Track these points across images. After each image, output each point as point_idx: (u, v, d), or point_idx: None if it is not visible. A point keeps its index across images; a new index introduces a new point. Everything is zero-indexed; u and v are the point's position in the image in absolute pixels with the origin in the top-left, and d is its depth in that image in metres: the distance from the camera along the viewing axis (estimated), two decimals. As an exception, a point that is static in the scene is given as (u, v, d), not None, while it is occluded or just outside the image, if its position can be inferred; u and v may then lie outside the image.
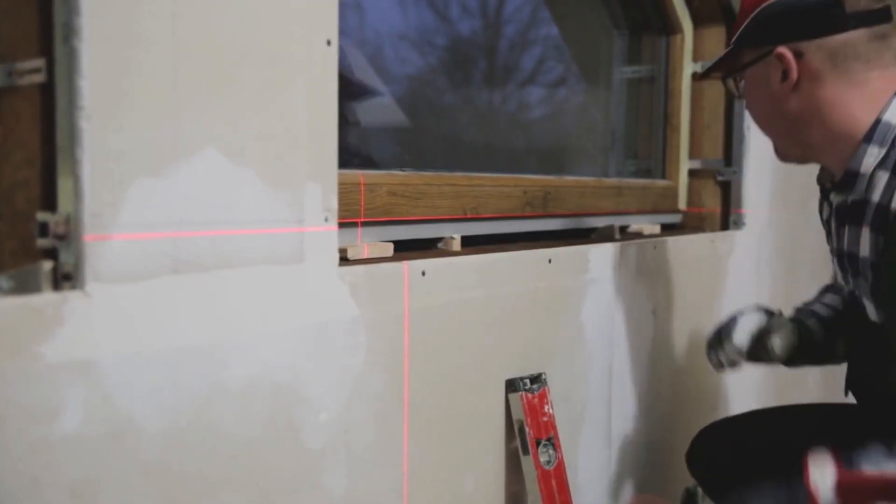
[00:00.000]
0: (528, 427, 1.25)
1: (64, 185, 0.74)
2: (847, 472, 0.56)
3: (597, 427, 1.52)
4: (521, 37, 2.25)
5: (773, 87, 1.23)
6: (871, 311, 1.20)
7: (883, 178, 1.14)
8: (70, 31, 0.72)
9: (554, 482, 1.28)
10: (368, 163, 1.69)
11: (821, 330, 1.44)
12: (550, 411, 1.30)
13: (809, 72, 1.19)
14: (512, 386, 1.27)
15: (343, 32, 0.98)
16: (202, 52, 0.83)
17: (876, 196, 1.14)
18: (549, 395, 1.31)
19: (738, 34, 1.27)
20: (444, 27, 2.06)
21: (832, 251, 1.36)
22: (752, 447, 1.47)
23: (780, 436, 1.47)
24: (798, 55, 1.19)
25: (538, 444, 1.26)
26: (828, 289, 1.54)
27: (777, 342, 1.38)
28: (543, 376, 1.31)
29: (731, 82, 1.34)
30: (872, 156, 1.16)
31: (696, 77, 1.45)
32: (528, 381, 1.28)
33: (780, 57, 1.20)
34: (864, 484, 0.54)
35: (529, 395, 1.27)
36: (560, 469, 1.29)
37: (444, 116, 2.06)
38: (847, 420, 1.48)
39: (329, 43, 0.96)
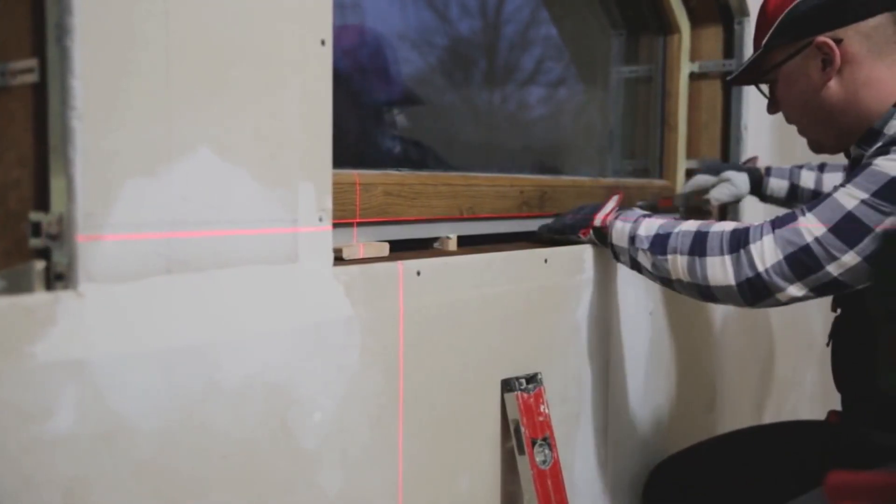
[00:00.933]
0: (523, 427, 1.25)
1: (56, 185, 0.74)
2: (842, 473, 0.56)
3: (593, 427, 1.52)
4: (519, 37, 2.25)
5: (814, 77, 1.33)
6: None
7: None
8: (62, 31, 0.73)
9: (549, 482, 1.28)
10: (365, 163, 1.69)
11: (784, 187, 1.76)
12: (546, 411, 1.30)
13: (849, 56, 1.30)
14: (507, 386, 1.27)
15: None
16: (195, 52, 0.83)
17: None
18: (545, 394, 1.31)
19: (769, 35, 1.36)
20: (441, 27, 2.06)
21: None
22: (711, 480, 1.52)
23: (739, 465, 1.52)
24: (838, 42, 1.29)
25: (534, 443, 1.26)
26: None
27: (711, 198, 1.76)
28: (539, 376, 1.31)
29: (762, 87, 1.45)
30: None
31: (730, 82, 1.53)
32: (523, 380, 1.28)
33: (822, 46, 1.30)
34: (858, 485, 0.54)
35: (525, 395, 1.27)
36: (556, 469, 1.29)
37: (441, 116, 2.06)
38: (804, 440, 1.53)
39: (323, 43, 0.96)
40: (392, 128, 1.67)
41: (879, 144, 1.21)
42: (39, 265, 0.74)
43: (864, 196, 1.14)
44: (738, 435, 1.69)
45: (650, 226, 1.32)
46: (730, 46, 2.08)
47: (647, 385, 1.71)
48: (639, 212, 1.39)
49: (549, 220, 1.55)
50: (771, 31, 1.36)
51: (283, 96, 0.92)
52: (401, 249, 1.25)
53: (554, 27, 2.26)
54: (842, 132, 1.36)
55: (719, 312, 2.03)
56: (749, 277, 1.19)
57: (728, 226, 1.25)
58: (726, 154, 2.09)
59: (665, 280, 1.32)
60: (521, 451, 1.26)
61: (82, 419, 0.74)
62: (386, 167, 1.32)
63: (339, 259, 1.07)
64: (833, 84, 1.31)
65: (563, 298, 1.42)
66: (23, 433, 0.70)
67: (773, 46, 1.37)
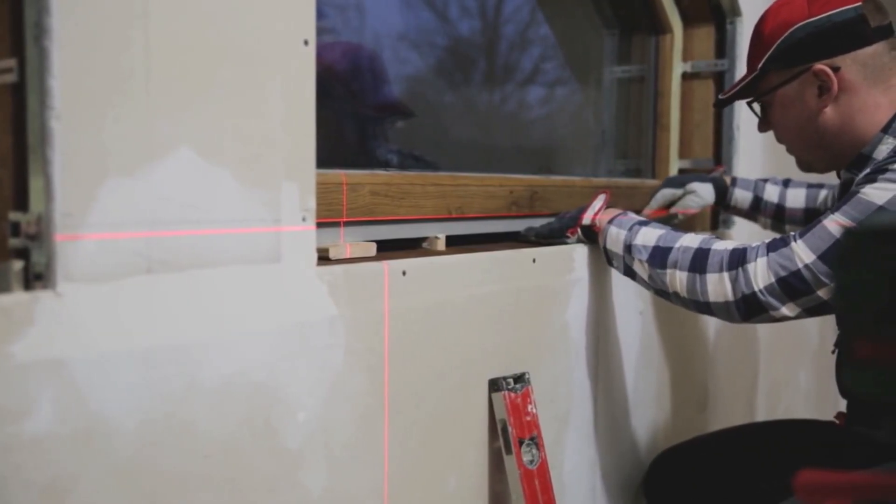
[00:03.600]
0: (511, 426, 1.25)
1: (35, 185, 0.74)
2: (813, 472, 0.56)
3: (582, 426, 1.52)
4: (512, 37, 2.25)
5: (810, 103, 1.34)
6: None
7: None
8: (41, 31, 0.73)
9: (537, 481, 1.28)
10: (361, 163, 1.70)
11: (749, 198, 1.78)
12: (534, 411, 1.30)
13: (845, 83, 1.31)
14: (495, 385, 1.27)
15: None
16: (176, 52, 0.83)
17: None
18: (533, 394, 1.31)
19: (765, 59, 1.37)
20: (437, 27, 2.06)
21: None
22: (709, 473, 1.53)
23: (737, 460, 1.53)
24: (835, 70, 1.31)
25: (521, 443, 1.26)
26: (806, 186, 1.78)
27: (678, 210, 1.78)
28: (527, 376, 1.31)
29: (754, 106, 1.45)
30: (887, 144, 1.29)
31: (720, 101, 1.53)
32: (511, 380, 1.28)
33: (819, 73, 1.31)
34: (827, 484, 0.54)
35: (512, 395, 1.27)
36: (543, 468, 1.29)
37: (436, 116, 2.06)
38: (804, 438, 1.53)
39: (306, 43, 0.96)
40: (385, 140, 1.69)
41: (868, 171, 1.23)
42: (17, 265, 0.74)
43: (851, 225, 1.17)
44: (744, 429, 1.70)
45: (647, 236, 1.34)
46: (722, 46, 2.08)
47: (638, 385, 1.71)
48: (633, 217, 1.41)
49: (535, 223, 1.56)
50: (767, 55, 1.36)
51: (265, 96, 0.92)
52: (390, 249, 1.25)
53: (547, 27, 2.26)
54: (834, 155, 1.38)
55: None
56: (745, 294, 1.23)
57: (728, 244, 1.28)
58: (719, 154, 2.10)
59: (660, 291, 1.35)
60: (509, 451, 1.26)
61: (61, 419, 0.74)
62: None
63: (325, 259, 1.07)
64: (829, 110, 1.33)
65: (552, 298, 1.42)
66: (1, 433, 0.70)
67: (769, 70, 1.37)
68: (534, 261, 1.37)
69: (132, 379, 0.80)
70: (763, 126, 1.47)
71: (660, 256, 1.32)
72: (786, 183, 1.80)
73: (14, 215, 0.75)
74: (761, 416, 2.37)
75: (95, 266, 0.77)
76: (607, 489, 1.61)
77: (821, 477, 0.56)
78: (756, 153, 2.17)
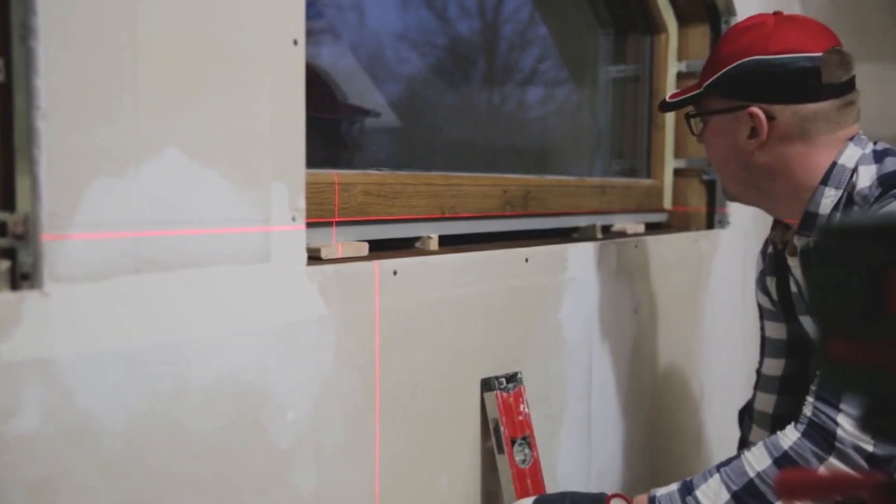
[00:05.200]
0: (503, 426, 1.26)
1: (22, 185, 0.74)
2: (793, 471, 0.56)
3: (576, 426, 1.52)
4: (510, 37, 2.25)
5: (739, 140, 1.26)
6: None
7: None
8: (27, 31, 0.73)
9: (529, 481, 1.28)
10: (356, 163, 1.70)
11: None
12: (526, 410, 1.30)
13: (779, 133, 1.23)
14: (487, 385, 1.27)
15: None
16: (164, 52, 0.83)
17: None
18: (525, 393, 1.31)
19: (710, 81, 1.28)
20: (432, 27, 2.06)
21: (774, 305, 1.45)
22: None
23: None
24: (770, 117, 1.23)
25: (513, 443, 1.26)
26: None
27: None
28: (519, 375, 1.31)
29: (692, 120, 1.37)
30: (829, 197, 1.22)
31: (661, 108, 1.45)
32: (503, 380, 1.28)
33: (752, 116, 1.23)
34: (807, 482, 0.55)
35: (505, 394, 1.27)
36: (535, 468, 1.30)
37: (430, 117, 2.06)
38: None
39: (296, 43, 0.96)
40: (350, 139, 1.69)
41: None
42: (4, 265, 0.74)
43: None
44: None
45: (713, 494, 1.16)
46: (717, 46, 2.08)
47: (632, 384, 1.71)
48: (668, 492, 1.20)
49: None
50: (713, 78, 1.28)
51: (254, 96, 0.92)
52: (383, 249, 1.25)
53: (542, 26, 2.26)
54: (766, 195, 1.30)
55: (706, 311, 2.04)
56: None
57: (764, 461, 1.15)
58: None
59: None
60: (501, 451, 1.26)
61: (49, 418, 0.74)
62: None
63: (316, 258, 1.07)
64: (759, 153, 1.25)
65: (545, 297, 1.42)
66: (-13, 432, 0.70)
67: (711, 93, 1.29)
68: (526, 260, 1.37)
69: (121, 378, 0.80)
70: (699, 139, 1.38)
71: (751, 497, 1.14)
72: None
73: (1, 215, 0.75)
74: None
75: (83, 266, 0.77)
76: (601, 489, 1.61)
77: (801, 476, 0.56)
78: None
